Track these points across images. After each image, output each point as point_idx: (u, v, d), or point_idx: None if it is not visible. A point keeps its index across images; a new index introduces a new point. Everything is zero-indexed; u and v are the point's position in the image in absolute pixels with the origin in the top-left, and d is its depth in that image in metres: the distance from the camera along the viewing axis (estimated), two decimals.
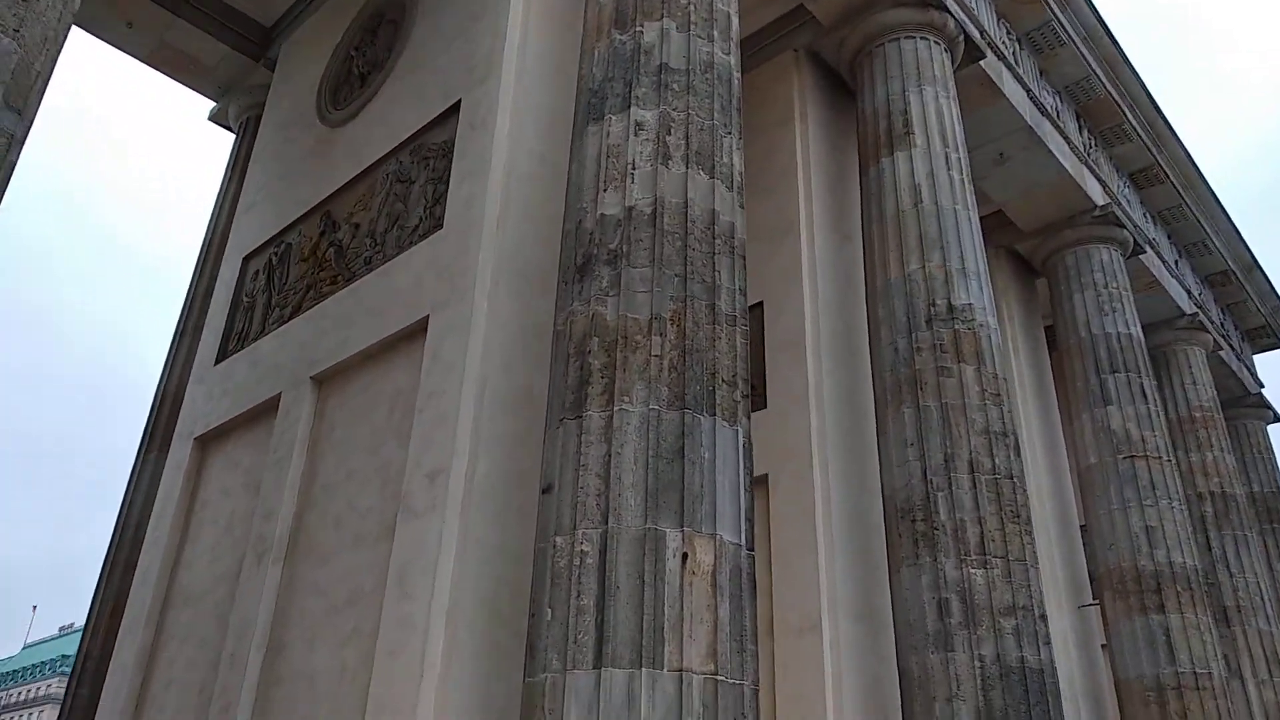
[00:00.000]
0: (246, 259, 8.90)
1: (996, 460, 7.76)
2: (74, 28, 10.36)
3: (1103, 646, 11.96)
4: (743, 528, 4.83)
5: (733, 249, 5.50)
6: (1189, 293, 15.88)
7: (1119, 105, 13.36)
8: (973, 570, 7.34)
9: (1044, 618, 7.43)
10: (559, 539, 4.67)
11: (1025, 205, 13.00)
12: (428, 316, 6.22)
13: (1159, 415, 12.16)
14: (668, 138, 5.53)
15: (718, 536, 4.65)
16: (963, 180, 9.09)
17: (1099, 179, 13.35)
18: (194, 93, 11.51)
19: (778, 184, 9.92)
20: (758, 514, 8.79)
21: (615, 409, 4.82)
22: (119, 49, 10.67)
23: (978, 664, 7.05)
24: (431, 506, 5.46)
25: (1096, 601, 11.95)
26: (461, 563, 5.24)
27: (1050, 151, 12.12)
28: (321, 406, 7.02)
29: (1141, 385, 12.20)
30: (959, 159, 9.20)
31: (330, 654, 5.82)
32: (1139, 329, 12.72)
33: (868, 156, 9.54)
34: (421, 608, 5.19)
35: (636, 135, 5.54)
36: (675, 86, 5.69)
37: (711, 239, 5.38)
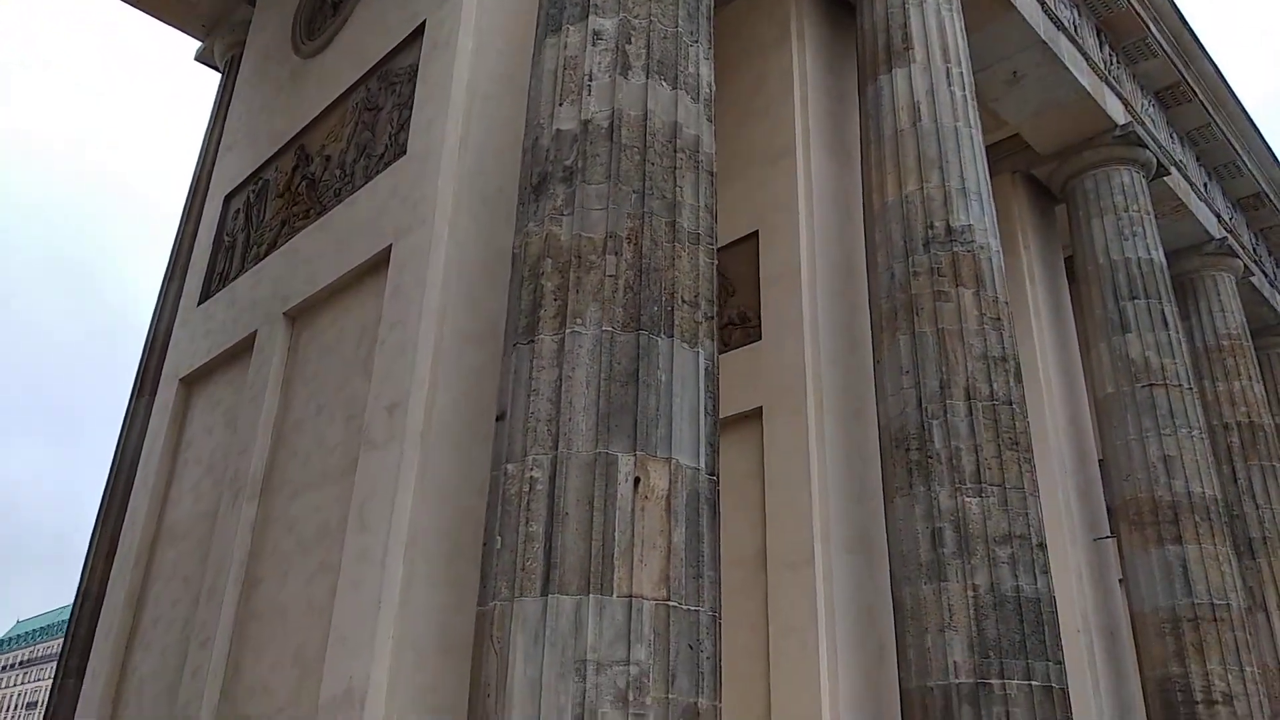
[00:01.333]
0: (228, 198, 8.75)
1: (995, 386, 7.48)
2: None
3: (1120, 582, 11.71)
4: (703, 452, 4.64)
5: (697, 164, 5.22)
6: (1219, 216, 15.25)
7: (1142, 18, 12.70)
8: (967, 499, 7.11)
9: (1042, 546, 7.20)
10: (510, 466, 4.51)
11: (1041, 127, 12.46)
12: (391, 245, 6.02)
13: (1180, 342, 11.73)
14: (627, 46, 5.23)
15: (673, 460, 4.46)
16: (965, 96, 8.66)
17: (1120, 97, 12.74)
18: (181, 33, 11.27)
19: (773, 107, 9.54)
20: (751, 447, 8.62)
21: (567, 331, 4.62)
22: None
23: (971, 593, 6.86)
24: (390, 438, 5.32)
25: (1112, 534, 11.68)
26: (421, 495, 5.11)
27: (1067, 68, 11.55)
28: (295, 342, 6.89)
29: (1163, 311, 11.76)
30: (961, 74, 8.75)
31: (300, 588, 5.76)
32: (1161, 254, 12.22)
33: (866, 75, 9.13)
34: (379, 540, 5.08)
35: (594, 45, 5.25)
36: None
37: (673, 153, 5.10)
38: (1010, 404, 7.48)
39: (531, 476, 4.38)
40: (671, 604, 4.18)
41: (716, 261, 5.27)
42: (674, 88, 5.26)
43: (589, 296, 4.68)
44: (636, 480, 4.33)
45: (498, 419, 4.77)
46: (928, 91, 8.54)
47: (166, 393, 8.27)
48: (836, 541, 7.77)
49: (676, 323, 4.75)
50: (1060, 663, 6.82)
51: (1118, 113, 12.53)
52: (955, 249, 7.90)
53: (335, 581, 5.37)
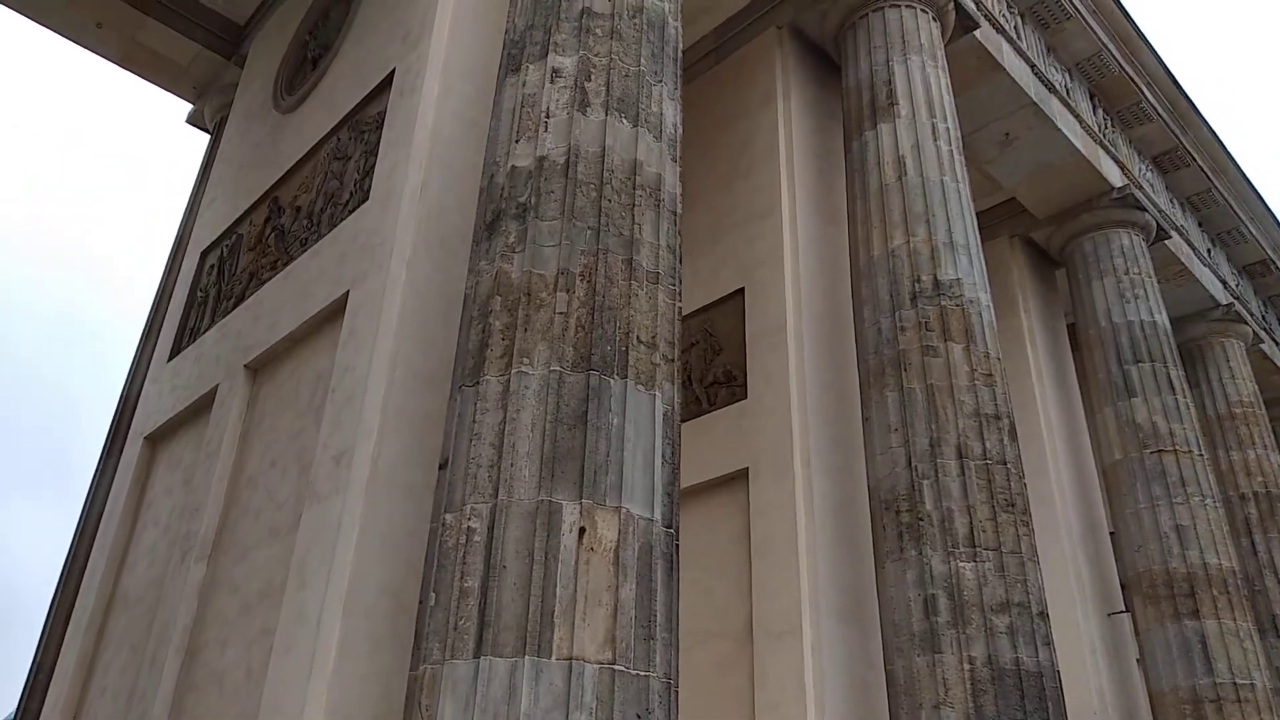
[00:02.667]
0: (204, 253, 8.61)
1: (988, 444, 7.12)
2: (46, 31, 10.27)
3: (1137, 660, 11.09)
4: (658, 502, 4.30)
5: (659, 202, 5.00)
6: (1224, 283, 14.97)
7: (1135, 82, 12.65)
8: (961, 564, 6.69)
9: (1043, 615, 6.74)
10: (448, 516, 4.19)
11: (1037, 189, 12.31)
12: (348, 292, 5.81)
13: (1189, 407, 11.34)
14: (586, 84, 5.08)
15: (624, 510, 4.13)
16: (951, 151, 8.51)
17: (1116, 161, 12.61)
18: (173, 95, 11.35)
19: (758, 165, 9.42)
20: (738, 509, 8.24)
21: (513, 372, 4.35)
22: (91, 51, 10.55)
23: (967, 666, 6.39)
24: (335, 490, 5.02)
25: (1126, 609, 11.11)
26: (362, 549, 4.78)
27: (1059, 130, 11.45)
28: (254, 395, 6.64)
29: (1169, 375, 11.40)
30: (948, 129, 8.62)
31: (239, 654, 5.38)
32: (1164, 316, 11.92)
33: (851, 131, 9.01)
34: (316, 598, 4.73)
35: (553, 83, 5.10)
36: (598, 31, 5.24)
37: (632, 190, 4.89)
38: (1005, 464, 7.11)
39: (469, 527, 4.05)
40: (617, 668, 3.80)
41: (679, 304, 5.02)
42: (635, 125, 5.08)
43: (538, 335, 4.42)
44: (582, 530, 3.99)
45: (440, 467, 4.46)
46: (913, 146, 8.40)
47: (131, 451, 8.00)
48: (826, 609, 7.33)
49: (631, 363, 4.47)
50: None
51: (1114, 175, 12.39)
52: (943, 303, 7.64)
53: (271, 645, 5.00)
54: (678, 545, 4.46)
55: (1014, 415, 7.56)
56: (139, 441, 7.94)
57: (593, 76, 5.10)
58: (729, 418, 8.56)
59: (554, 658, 3.74)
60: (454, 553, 4.05)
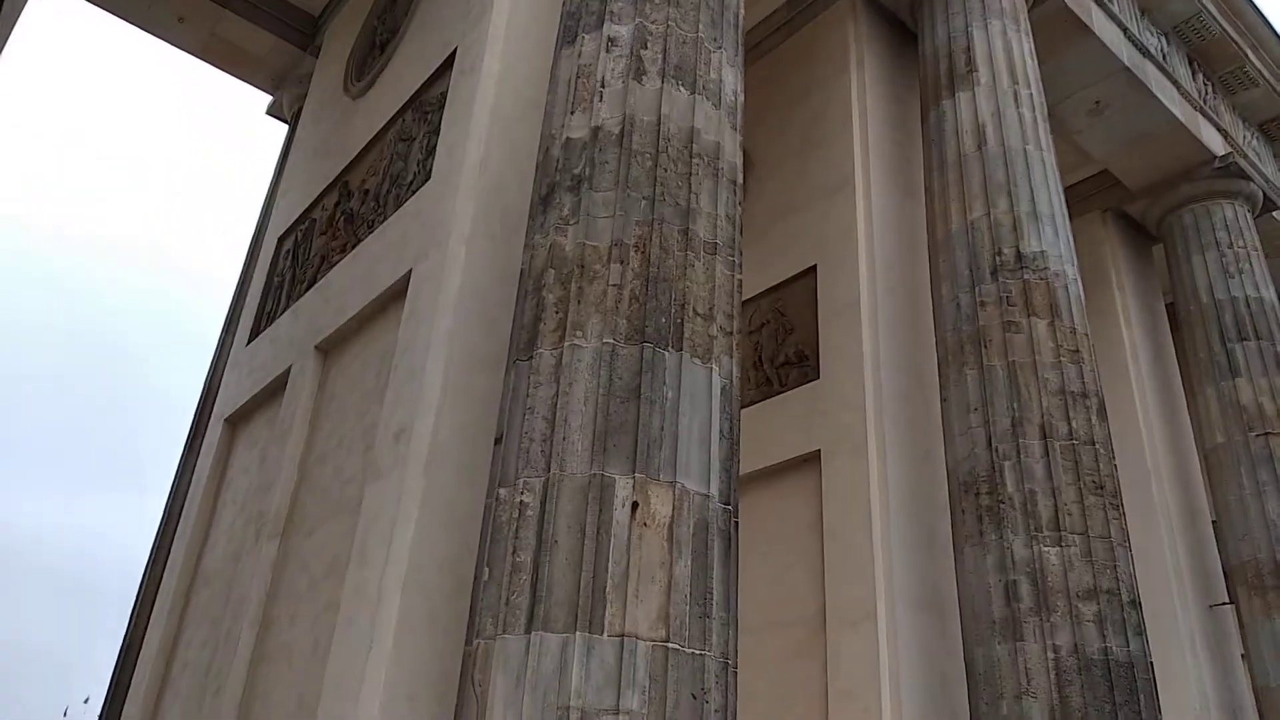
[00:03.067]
0: (280, 240, 8.78)
1: (1075, 424, 6.76)
2: (128, 25, 10.62)
3: (1242, 656, 10.49)
4: (715, 477, 4.17)
5: (718, 171, 4.85)
6: None
7: (1238, 45, 11.89)
8: (1045, 548, 6.37)
9: (1135, 604, 6.37)
10: (502, 490, 4.14)
11: (1131, 160, 11.68)
12: (410, 271, 5.82)
13: None
14: (643, 52, 4.95)
15: (678, 485, 4.01)
16: (1035, 119, 8.10)
17: (1218, 128, 11.89)
18: (252, 87, 11.63)
19: (832, 137, 9.14)
20: (810, 494, 8.03)
21: (565, 345, 4.26)
22: (173, 45, 10.88)
23: (1051, 655, 6.09)
24: (394, 465, 5.02)
25: (1229, 601, 10.51)
26: (422, 525, 4.77)
27: (1155, 97, 10.83)
28: (325, 375, 6.73)
29: (1276, 354, 10.72)
30: (1030, 95, 8.20)
31: (306, 629, 5.45)
32: (1272, 292, 11.20)
33: (928, 101, 8.66)
34: (375, 575, 4.74)
35: (609, 52, 4.98)
36: None
37: (689, 159, 4.75)
38: (1093, 444, 6.74)
39: (522, 501, 3.99)
40: (671, 646, 3.69)
41: (739, 275, 4.86)
42: (692, 93, 4.93)
43: (591, 308, 4.32)
44: (634, 505, 3.89)
45: (495, 442, 4.41)
46: (993, 114, 8.02)
47: (213, 434, 8.22)
48: (902, 596, 7.08)
49: (687, 335, 4.34)
50: None
51: (1216, 143, 11.68)
52: (1026, 276, 7.28)
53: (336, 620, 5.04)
54: (737, 523, 4.32)
55: (1104, 394, 7.16)
56: (219, 424, 8.16)
57: (649, 44, 4.97)
58: (801, 399, 8.34)
59: (605, 634, 3.65)
60: (507, 527, 3.99)
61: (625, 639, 3.64)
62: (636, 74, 4.88)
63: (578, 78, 5.02)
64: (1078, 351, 7.08)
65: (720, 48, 5.22)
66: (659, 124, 4.75)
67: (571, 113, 4.92)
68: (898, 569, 7.17)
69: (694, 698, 3.68)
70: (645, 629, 3.69)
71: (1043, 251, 7.40)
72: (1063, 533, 6.39)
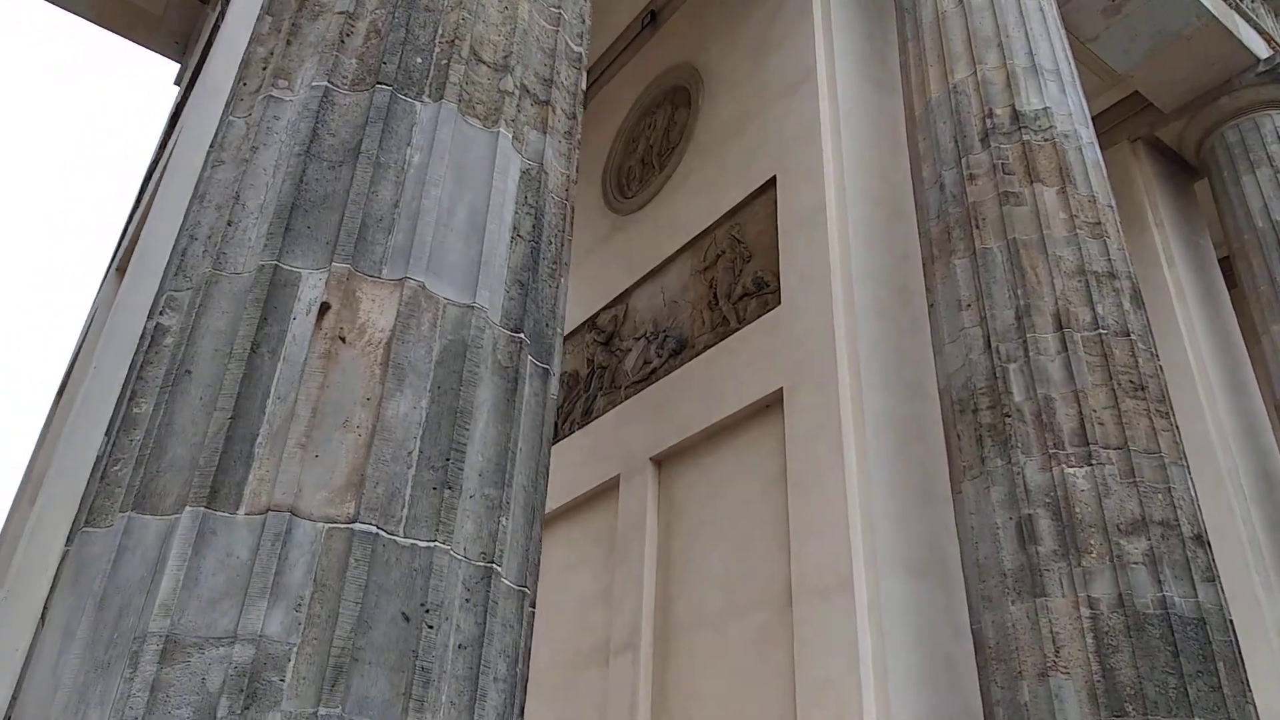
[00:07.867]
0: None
1: (1101, 310, 5.06)
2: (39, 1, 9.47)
3: None
4: (493, 288, 2.59)
5: None
6: None
7: None
8: (1069, 469, 4.64)
9: (1201, 540, 4.60)
10: (148, 323, 2.59)
11: (1159, 71, 9.99)
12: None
13: None
14: None
15: (412, 284, 2.43)
16: None
17: (1260, 30, 10.19)
18: (158, 55, 10.45)
19: (791, 33, 7.64)
20: (775, 442, 6.36)
21: (259, 98, 2.75)
22: (70, 11, 9.76)
23: (1086, 612, 4.33)
24: None
25: None
26: None
27: None
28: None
29: None
30: None
31: None
32: None
33: None
34: None
35: None
36: None
37: None
38: (1128, 335, 5.03)
39: (159, 325, 2.44)
40: (362, 527, 2.10)
41: (578, 45, 3.33)
42: None
43: (309, 49, 2.81)
44: (323, 308, 2.32)
45: None
46: None
47: None
48: (886, 557, 5.36)
49: (454, 82, 2.79)
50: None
51: (1258, 46, 9.97)
52: (1026, 137, 5.64)
53: None
54: (546, 370, 2.73)
55: (1137, 278, 5.46)
56: None
57: None
58: (760, 332, 6.72)
59: (242, 511, 2.06)
60: (134, 369, 2.44)
61: (273, 515, 2.05)
62: None
63: None
64: (1099, 224, 5.40)
65: None
66: None
67: None
68: (881, 524, 5.46)
69: (406, 619, 2.07)
70: (318, 502, 2.10)
71: (1046, 109, 5.77)
72: (1092, 447, 4.65)
